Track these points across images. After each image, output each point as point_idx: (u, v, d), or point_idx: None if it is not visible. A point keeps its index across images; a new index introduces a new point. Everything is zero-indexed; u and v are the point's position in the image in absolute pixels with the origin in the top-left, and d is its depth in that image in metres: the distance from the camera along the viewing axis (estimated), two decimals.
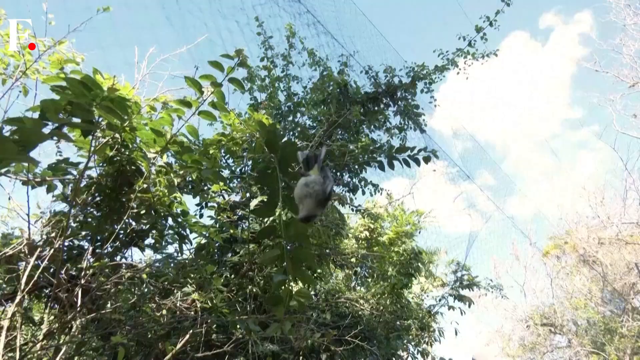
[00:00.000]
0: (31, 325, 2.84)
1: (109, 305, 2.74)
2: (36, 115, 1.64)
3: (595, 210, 17.25)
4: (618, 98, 13.69)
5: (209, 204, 3.66)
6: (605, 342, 14.39)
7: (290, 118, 5.68)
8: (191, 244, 3.26)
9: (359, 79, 6.02)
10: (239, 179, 3.83)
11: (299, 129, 5.35)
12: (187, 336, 2.90)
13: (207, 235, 3.31)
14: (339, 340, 4.39)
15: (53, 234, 2.53)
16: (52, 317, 2.45)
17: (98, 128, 2.14)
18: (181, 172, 2.80)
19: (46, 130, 1.57)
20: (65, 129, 1.87)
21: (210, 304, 2.93)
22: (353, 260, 6.23)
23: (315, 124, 5.47)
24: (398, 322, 6.86)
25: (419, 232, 8.20)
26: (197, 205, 3.76)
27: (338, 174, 4.99)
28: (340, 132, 5.28)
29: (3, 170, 2.24)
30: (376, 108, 5.80)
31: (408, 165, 2.75)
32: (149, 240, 3.01)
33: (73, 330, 2.41)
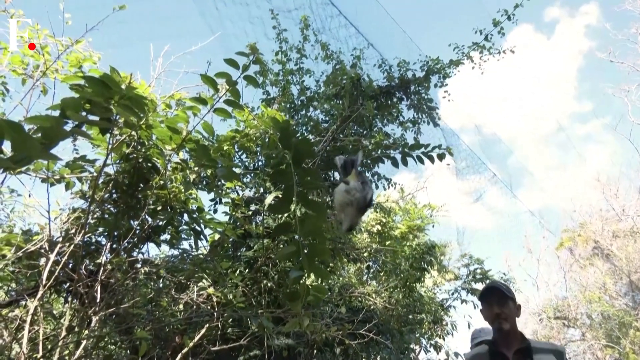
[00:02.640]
0: (52, 319, 2.89)
1: (126, 299, 2.78)
2: (56, 113, 1.66)
3: (609, 203, 17.05)
4: (633, 88, 13.47)
5: (224, 200, 3.68)
6: (621, 336, 14.25)
7: (303, 112, 5.68)
8: (206, 240, 3.29)
9: (372, 73, 6.01)
10: (252, 175, 3.84)
11: (311, 123, 5.34)
12: (204, 330, 2.94)
13: (222, 231, 3.34)
14: (352, 334, 4.41)
15: (72, 230, 2.57)
16: (72, 312, 2.50)
17: (115, 126, 2.16)
18: (196, 168, 2.82)
19: (66, 128, 1.59)
20: (84, 127, 1.89)
21: (225, 299, 2.96)
22: (365, 254, 6.23)
23: (328, 118, 5.46)
24: (411, 316, 6.88)
25: (433, 227, 8.18)
26: (211, 200, 3.78)
27: None
28: (353, 126, 5.26)
29: (23, 168, 2.29)
30: (389, 102, 5.77)
31: (422, 162, 2.72)
32: (165, 236, 3.05)
33: (92, 324, 2.45)
